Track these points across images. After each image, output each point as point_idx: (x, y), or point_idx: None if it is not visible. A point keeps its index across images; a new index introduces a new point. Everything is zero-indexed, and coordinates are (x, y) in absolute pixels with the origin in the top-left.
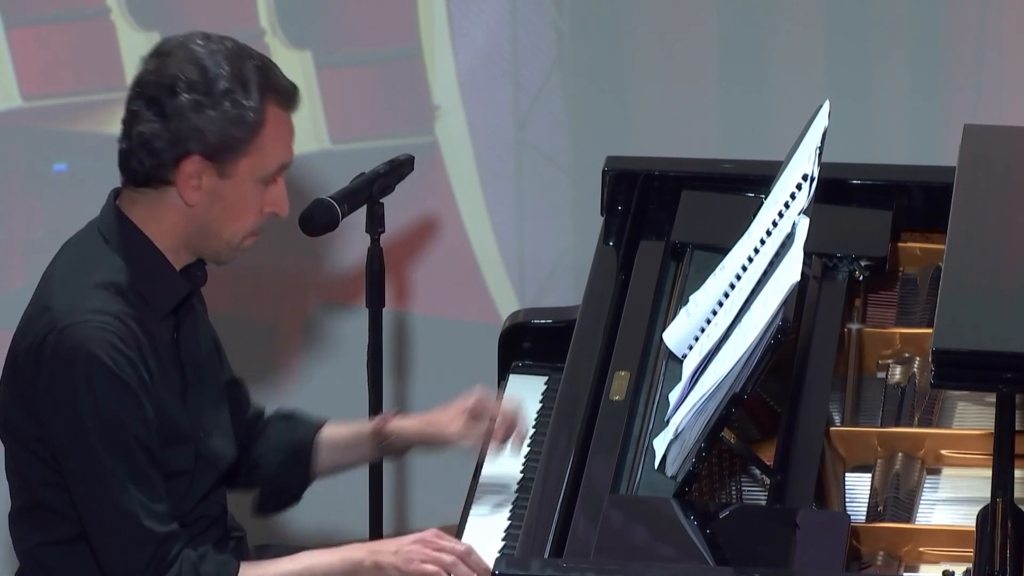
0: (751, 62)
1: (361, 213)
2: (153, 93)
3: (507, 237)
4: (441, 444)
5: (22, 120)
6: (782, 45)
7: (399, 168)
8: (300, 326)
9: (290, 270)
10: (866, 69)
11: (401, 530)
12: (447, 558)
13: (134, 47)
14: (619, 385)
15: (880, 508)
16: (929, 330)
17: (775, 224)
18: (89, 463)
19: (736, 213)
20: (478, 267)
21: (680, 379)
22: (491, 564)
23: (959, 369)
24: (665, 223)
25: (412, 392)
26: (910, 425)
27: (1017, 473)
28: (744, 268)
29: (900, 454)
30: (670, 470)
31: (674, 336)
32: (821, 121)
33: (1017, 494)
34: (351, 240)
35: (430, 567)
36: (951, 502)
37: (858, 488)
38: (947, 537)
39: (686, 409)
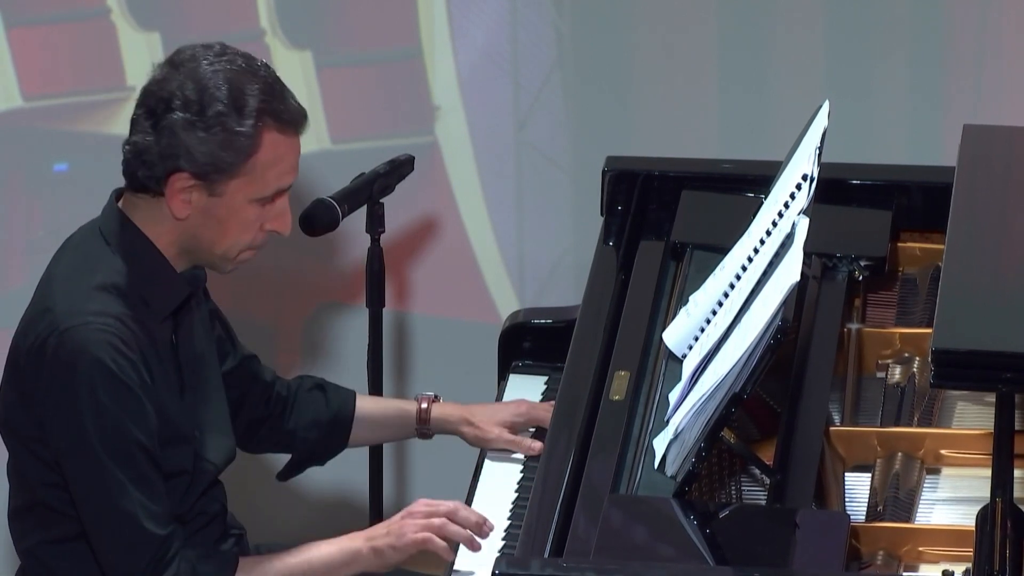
0: (751, 62)
1: (361, 213)
2: (152, 105)
3: (507, 237)
4: (477, 444)
5: (23, 120)
6: (782, 45)
7: (399, 168)
8: (300, 326)
9: (290, 270)
10: (866, 69)
11: None
12: (436, 521)
13: (135, 47)
14: (619, 385)
15: (880, 508)
16: (929, 330)
17: (775, 224)
18: (90, 465)
19: (736, 213)
20: (478, 267)
21: (680, 379)
22: (491, 564)
23: (959, 369)
24: (665, 223)
25: (412, 392)
26: (910, 425)
27: (1016, 473)
28: (744, 268)
29: (900, 454)
30: (670, 470)
31: (674, 336)
32: (821, 121)
33: (1016, 494)
34: (351, 240)
35: (421, 535)
36: (951, 502)
37: (858, 488)
38: (947, 537)
39: (686, 409)
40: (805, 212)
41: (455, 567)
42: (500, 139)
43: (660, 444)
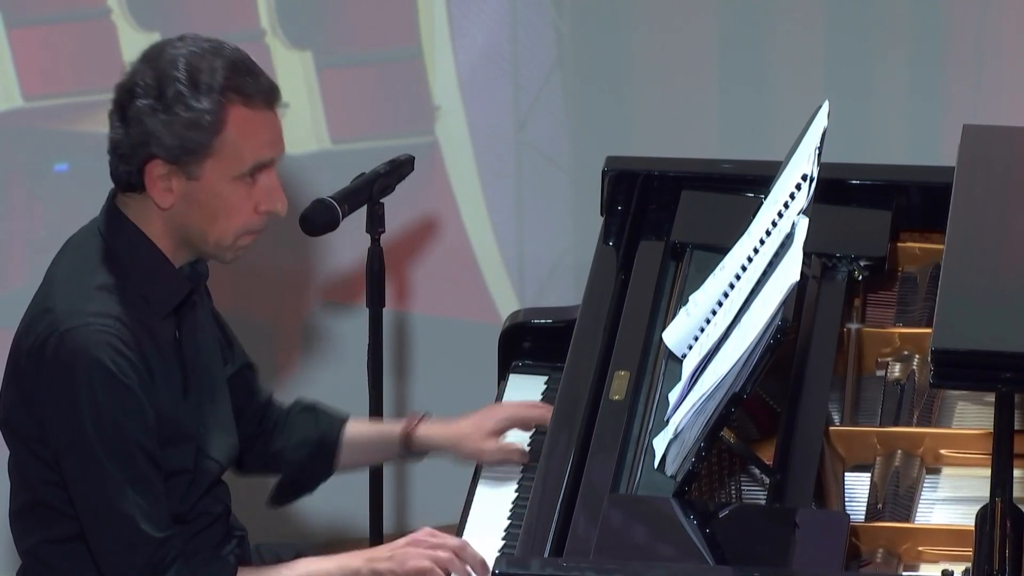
0: (751, 62)
1: (361, 213)
2: (119, 99)
3: (507, 237)
4: (469, 458)
5: (23, 120)
6: (782, 45)
7: (399, 168)
8: (300, 326)
9: (290, 270)
10: (865, 69)
11: (401, 530)
12: (443, 554)
13: (135, 48)
14: (619, 385)
15: (879, 507)
16: (928, 329)
17: (774, 224)
18: (89, 466)
19: (736, 213)
20: (478, 267)
21: (680, 379)
22: (491, 564)
23: (958, 369)
24: (665, 223)
25: (412, 392)
26: (909, 424)
27: (1016, 473)
28: (744, 268)
29: (899, 453)
30: (670, 469)
31: (674, 336)
32: (820, 121)
33: (1016, 494)
34: (351, 240)
35: (425, 563)
36: (950, 501)
37: (857, 487)
38: (946, 536)
39: (686, 409)
40: (805, 212)
41: None
42: (500, 139)
43: (660, 444)
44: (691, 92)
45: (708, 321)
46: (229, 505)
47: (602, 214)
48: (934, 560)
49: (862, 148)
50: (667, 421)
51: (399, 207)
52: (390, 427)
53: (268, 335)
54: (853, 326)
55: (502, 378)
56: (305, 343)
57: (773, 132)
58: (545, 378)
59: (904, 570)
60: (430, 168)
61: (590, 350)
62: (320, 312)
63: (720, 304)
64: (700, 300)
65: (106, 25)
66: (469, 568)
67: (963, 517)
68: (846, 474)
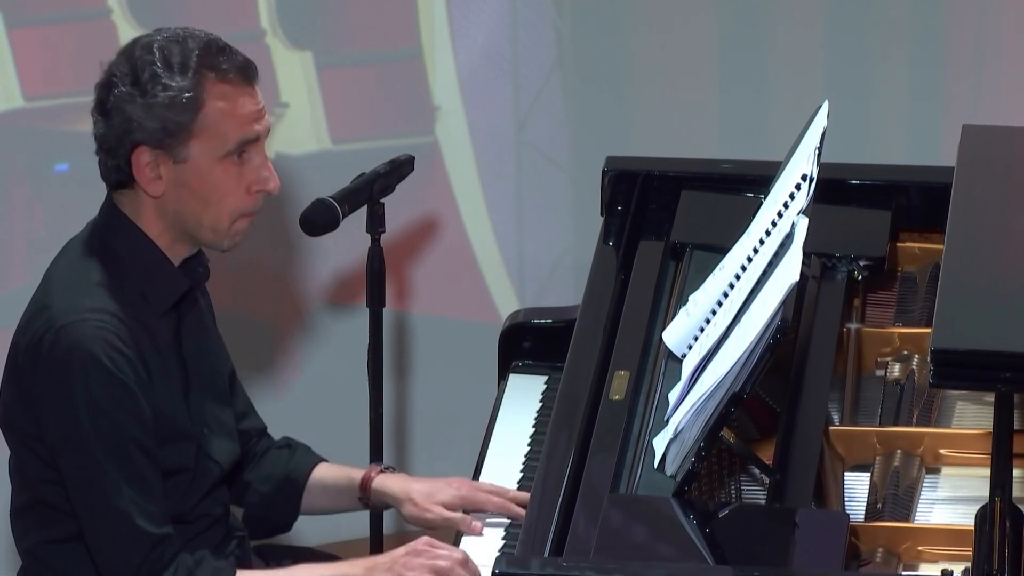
0: (751, 62)
1: (362, 213)
2: (98, 94)
3: (507, 237)
4: (410, 521)
5: (24, 120)
6: (781, 45)
7: (399, 168)
8: (300, 326)
9: (290, 270)
10: (865, 69)
11: (401, 530)
12: (443, 563)
13: None
14: (619, 385)
15: (879, 507)
16: (928, 329)
17: (774, 224)
18: (85, 462)
19: (735, 213)
20: (478, 267)
21: (680, 378)
22: (491, 563)
23: (958, 369)
24: (665, 223)
25: (412, 392)
26: (909, 424)
27: (1015, 472)
28: (743, 268)
29: (899, 453)
30: (670, 469)
31: (674, 336)
32: (820, 121)
33: (1015, 493)
34: (351, 240)
35: (426, 574)
36: (950, 501)
37: (857, 487)
38: (946, 536)
39: (685, 408)
40: (804, 212)
41: None
42: (500, 139)
43: (660, 444)
44: (691, 92)
45: (708, 321)
46: (228, 506)
47: (602, 214)
48: (934, 560)
49: (862, 148)
50: (667, 421)
51: (399, 207)
52: (355, 473)
53: (268, 335)
54: (853, 326)
55: (502, 378)
56: (305, 343)
57: (773, 132)
58: (545, 378)
59: (904, 570)
60: (430, 168)
61: (590, 350)
62: (320, 312)
63: (720, 304)
64: (700, 300)
65: (106, 25)
66: None
67: (962, 517)
68: (846, 474)
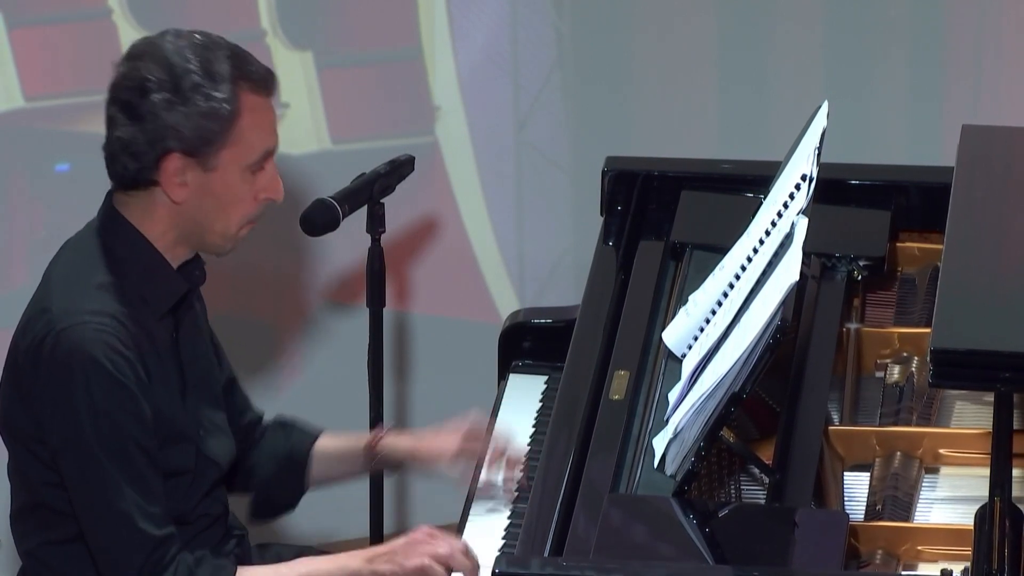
0: (751, 62)
1: (362, 213)
2: (126, 97)
3: (507, 237)
4: (430, 467)
5: (24, 120)
6: (781, 45)
7: (400, 168)
8: (300, 326)
9: (290, 270)
10: (865, 69)
11: (401, 529)
12: (443, 550)
13: None
14: (619, 384)
15: (878, 507)
16: (927, 330)
17: (774, 224)
18: (86, 465)
19: (735, 213)
20: (478, 267)
21: (679, 378)
22: (491, 563)
23: (957, 369)
24: (665, 223)
25: (412, 392)
26: (908, 424)
27: (1015, 472)
28: (743, 268)
29: (898, 453)
30: (669, 469)
31: (673, 335)
32: (820, 121)
33: (1015, 493)
34: (352, 240)
35: (426, 560)
36: (949, 501)
37: (857, 487)
38: (945, 536)
39: (685, 408)
40: (804, 212)
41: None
42: (500, 139)
43: (660, 443)
44: (691, 92)
45: (708, 321)
46: (227, 505)
47: (602, 214)
48: (933, 559)
49: (861, 148)
50: (667, 421)
51: (399, 207)
52: (356, 439)
53: (268, 335)
54: (852, 326)
55: (502, 378)
56: (305, 343)
57: (773, 132)
58: (545, 378)
59: (903, 569)
60: (430, 168)
61: (590, 350)
62: (320, 312)
63: (720, 304)
64: (700, 300)
65: (107, 25)
66: (470, 564)
67: (962, 516)
68: (845, 474)
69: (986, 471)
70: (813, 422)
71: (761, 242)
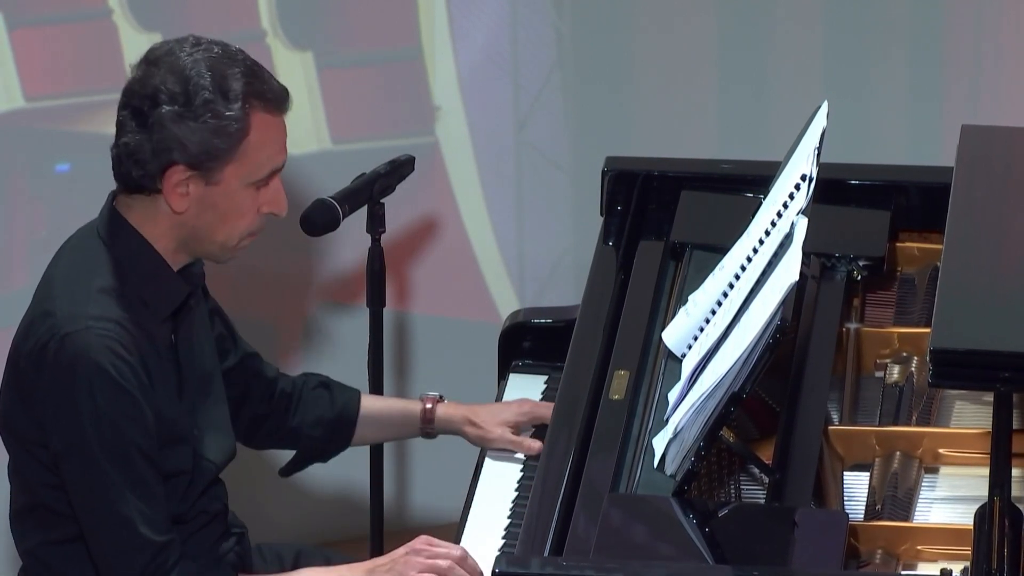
0: (751, 62)
1: (362, 213)
2: (137, 104)
3: (507, 237)
4: (487, 435)
5: (25, 121)
6: (781, 45)
7: (400, 168)
8: (300, 326)
9: (290, 270)
10: (864, 69)
11: (402, 528)
12: (443, 563)
13: (136, 48)
14: (618, 384)
15: (878, 506)
16: (927, 329)
17: (773, 224)
18: (89, 469)
19: (735, 213)
20: (478, 267)
21: (679, 378)
22: (491, 563)
23: (957, 368)
24: (664, 223)
25: (412, 392)
26: (908, 424)
27: (1014, 472)
28: (743, 268)
29: (898, 453)
30: (669, 469)
31: (673, 335)
32: (819, 122)
33: (1014, 493)
34: (352, 240)
35: (426, 573)
36: (949, 501)
37: (856, 487)
38: (945, 535)
39: (685, 408)
40: (804, 212)
41: None
42: (500, 139)
43: (659, 443)
44: (691, 92)
45: (707, 321)
46: (226, 503)
47: (602, 214)
48: (933, 559)
49: (861, 148)
50: (666, 420)
51: (399, 207)
52: (408, 405)
53: (268, 335)
54: (852, 326)
55: (502, 378)
56: (305, 343)
57: (772, 132)
58: (545, 378)
59: (903, 569)
60: (430, 168)
61: (590, 350)
62: (320, 312)
63: (719, 304)
64: (699, 300)
65: (107, 25)
66: None
67: (962, 516)
68: (845, 473)
69: (986, 471)
70: (813, 422)
71: (761, 242)
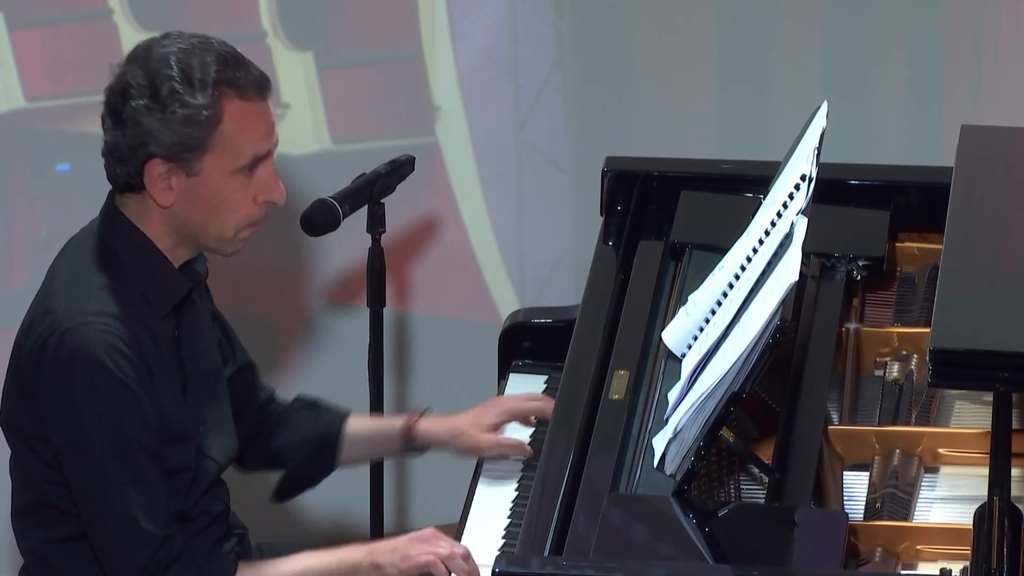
0: (750, 63)
1: (362, 213)
2: (112, 101)
3: (507, 237)
4: (474, 444)
5: (25, 121)
6: (781, 46)
7: (400, 168)
8: (301, 326)
9: (291, 270)
10: (864, 69)
11: (402, 528)
12: (443, 551)
13: None
14: (618, 384)
15: (878, 506)
16: (926, 329)
17: (773, 224)
18: (90, 465)
19: (735, 213)
20: (478, 267)
21: (679, 378)
22: (491, 563)
23: (956, 368)
24: (664, 223)
25: (412, 391)
26: (908, 424)
27: (1014, 472)
28: (743, 268)
29: (898, 452)
30: (669, 468)
31: (673, 335)
32: (819, 122)
33: (1014, 493)
34: (352, 240)
35: (428, 557)
36: (948, 500)
37: (856, 486)
38: (944, 535)
39: (685, 408)
40: (804, 212)
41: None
42: (500, 139)
43: (659, 443)
44: (691, 92)
45: (707, 320)
46: (228, 504)
47: (602, 214)
48: (932, 559)
49: (861, 148)
50: (666, 420)
51: (399, 207)
52: (391, 422)
53: (268, 335)
54: (852, 326)
55: (502, 378)
56: (305, 343)
57: (772, 132)
58: (545, 377)
59: (902, 568)
60: (430, 168)
61: (590, 350)
62: (320, 312)
63: (719, 304)
64: (699, 300)
65: (108, 26)
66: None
67: (961, 516)
68: (845, 473)
69: (985, 470)
70: (813, 421)
71: (761, 242)
